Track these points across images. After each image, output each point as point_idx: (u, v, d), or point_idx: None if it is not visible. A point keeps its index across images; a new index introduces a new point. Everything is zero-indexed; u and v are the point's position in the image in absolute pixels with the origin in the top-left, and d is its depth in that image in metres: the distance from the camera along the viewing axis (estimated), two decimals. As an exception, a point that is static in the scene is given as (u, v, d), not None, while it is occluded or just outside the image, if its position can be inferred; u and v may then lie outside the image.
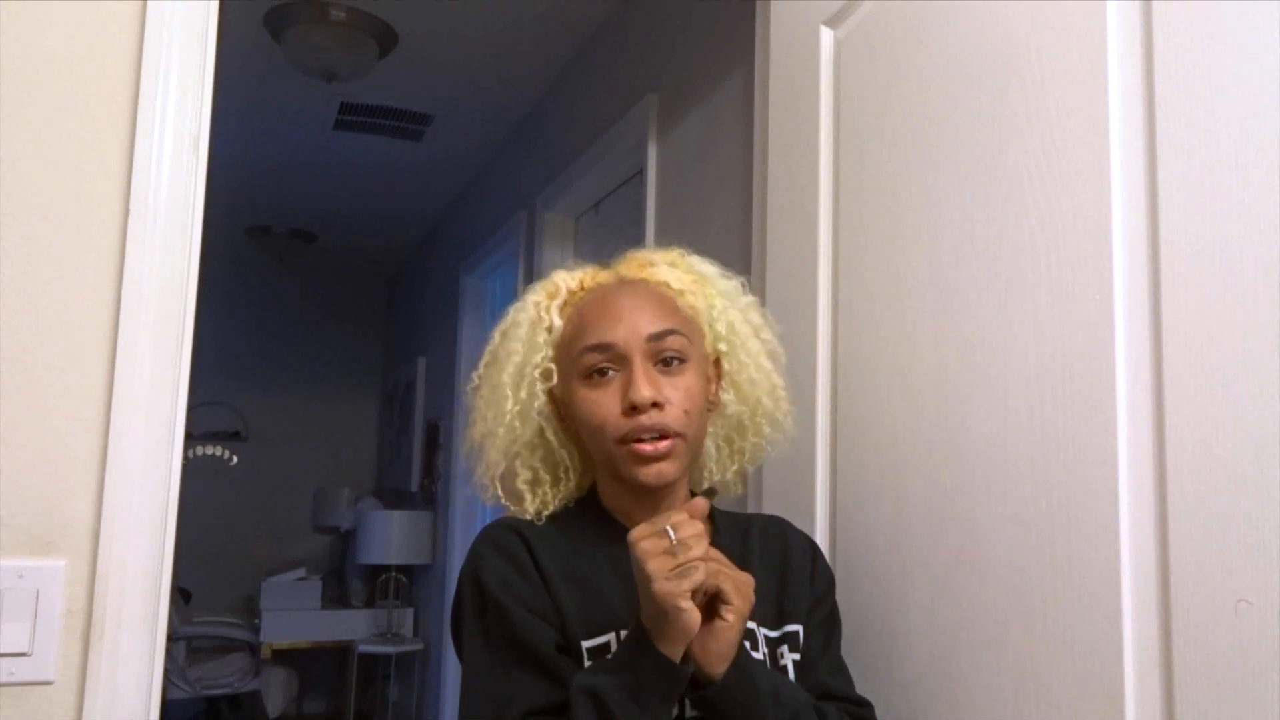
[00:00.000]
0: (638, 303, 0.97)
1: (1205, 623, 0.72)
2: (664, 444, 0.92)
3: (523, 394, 0.99)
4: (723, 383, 1.02)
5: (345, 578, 5.20)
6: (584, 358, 0.95)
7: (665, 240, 2.14)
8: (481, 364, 1.05)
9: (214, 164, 1.10)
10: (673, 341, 0.95)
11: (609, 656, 0.88)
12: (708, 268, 1.05)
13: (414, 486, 4.81)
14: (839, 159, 1.25)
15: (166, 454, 1.03)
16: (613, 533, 0.98)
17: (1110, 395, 0.81)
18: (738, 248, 1.74)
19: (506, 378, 1.00)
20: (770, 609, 0.98)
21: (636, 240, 2.30)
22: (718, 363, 1.02)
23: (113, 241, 1.03)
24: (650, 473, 0.93)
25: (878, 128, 1.17)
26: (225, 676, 4.57)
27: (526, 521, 1.00)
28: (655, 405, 0.92)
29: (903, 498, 1.07)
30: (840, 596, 1.09)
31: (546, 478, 1.02)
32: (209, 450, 4.98)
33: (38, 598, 0.97)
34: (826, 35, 1.29)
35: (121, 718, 0.98)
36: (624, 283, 1.01)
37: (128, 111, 1.04)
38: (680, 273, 1.03)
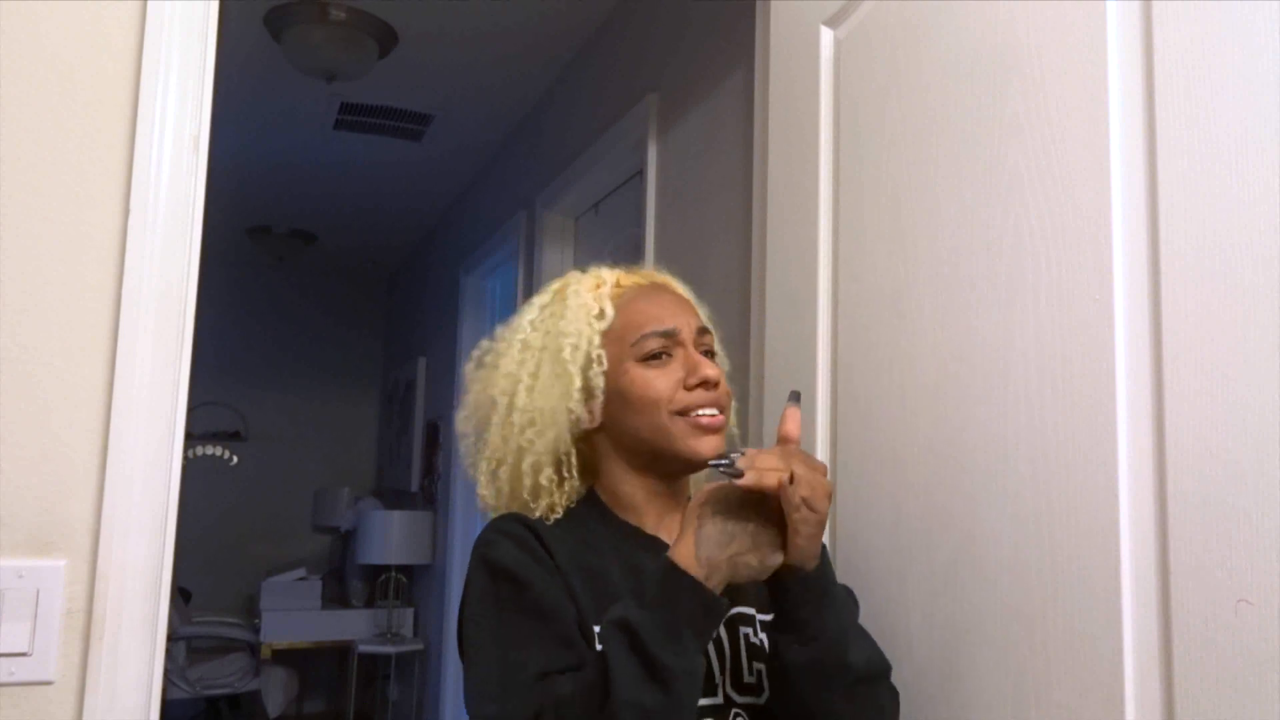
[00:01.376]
0: (683, 301, 1.06)
1: (1205, 623, 0.72)
2: (720, 418, 0.99)
3: (580, 378, 1.00)
4: None
5: (345, 578, 5.20)
6: (647, 342, 1.00)
7: (665, 240, 2.14)
8: (513, 350, 1.04)
9: (214, 164, 1.10)
10: (709, 339, 1.04)
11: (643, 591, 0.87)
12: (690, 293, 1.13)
13: (414, 486, 4.81)
14: (839, 159, 1.25)
15: (166, 454, 1.03)
16: (619, 529, 1.01)
17: (1110, 395, 0.81)
18: (738, 248, 1.74)
19: (568, 357, 1.00)
20: (764, 594, 0.99)
21: (636, 240, 2.30)
22: None
23: (113, 241, 1.03)
24: (709, 444, 0.98)
25: (878, 128, 1.17)
26: (225, 676, 4.57)
27: (532, 518, 1.00)
28: (716, 384, 0.99)
29: (903, 498, 1.07)
30: (840, 596, 1.09)
31: (557, 477, 1.02)
32: (209, 450, 4.97)
33: (38, 598, 0.97)
34: (826, 35, 1.29)
35: (121, 718, 0.98)
36: (661, 284, 1.08)
37: (128, 111, 1.04)
38: (685, 290, 1.11)
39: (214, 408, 5.43)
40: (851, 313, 1.20)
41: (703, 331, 1.03)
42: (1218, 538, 0.72)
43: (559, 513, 1.01)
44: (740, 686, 0.95)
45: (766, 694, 0.96)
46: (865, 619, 1.11)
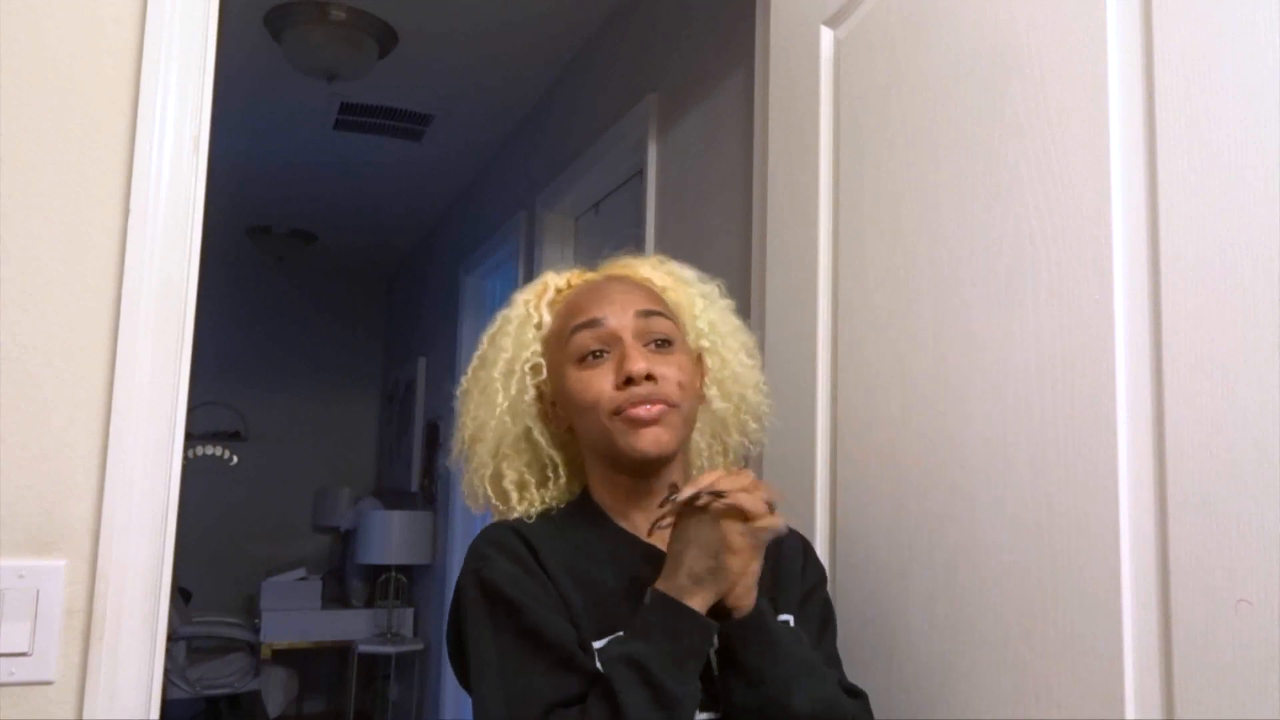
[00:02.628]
0: (626, 288, 1.01)
1: (1205, 623, 0.72)
2: (658, 408, 0.94)
3: (513, 389, 1.01)
4: (706, 379, 1.04)
5: (345, 578, 5.20)
6: (576, 336, 0.97)
7: (665, 240, 2.14)
8: (470, 368, 1.07)
9: (214, 164, 1.10)
10: (660, 324, 0.98)
11: (636, 624, 0.88)
12: (687, 272, 1.09)
13: (414, 486, 4.81)
14: (839, 159, 1.25)
15: (166, 454, 1.03)
16: (611, 533, 0.99)
17: (1110, 395, 0.81)
18: (738, 248, 1.74)
19: (497, 374, 1.01)
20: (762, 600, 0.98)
21: (637, 240, 2.30)
22: (700, 359, 1.04)
23: (113, 241, 1.03)
24: (648, 438, 0.93)
25: (878, 128, 1.17)
26: (225, 676, 4.57)
27: (526, 523, 0.99)
28: (649, 378, 0.94)
29: (903, 498, 1.07)
30: (840, 596, 1.09)
31: (533, 479, 1.03)
32: (209, 450, 4.97)
33: (38, 598, 0.97)
34: (826, 35, 1.29)
35: (121, 718, 0.98)
36: (610, 276, 1.05)
37: (128, 111, 1.04)
38: (662, 273, 1.07)
39: (214, 408, 5.42)
40: (851, 313, 1.20)
41: (648, 314, 0.97)
42: (1218, 538, 0.72)
43: (536, 509, 1.01)
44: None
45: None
46: (865, 619, 1.10)
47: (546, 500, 1.03)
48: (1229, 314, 0.73)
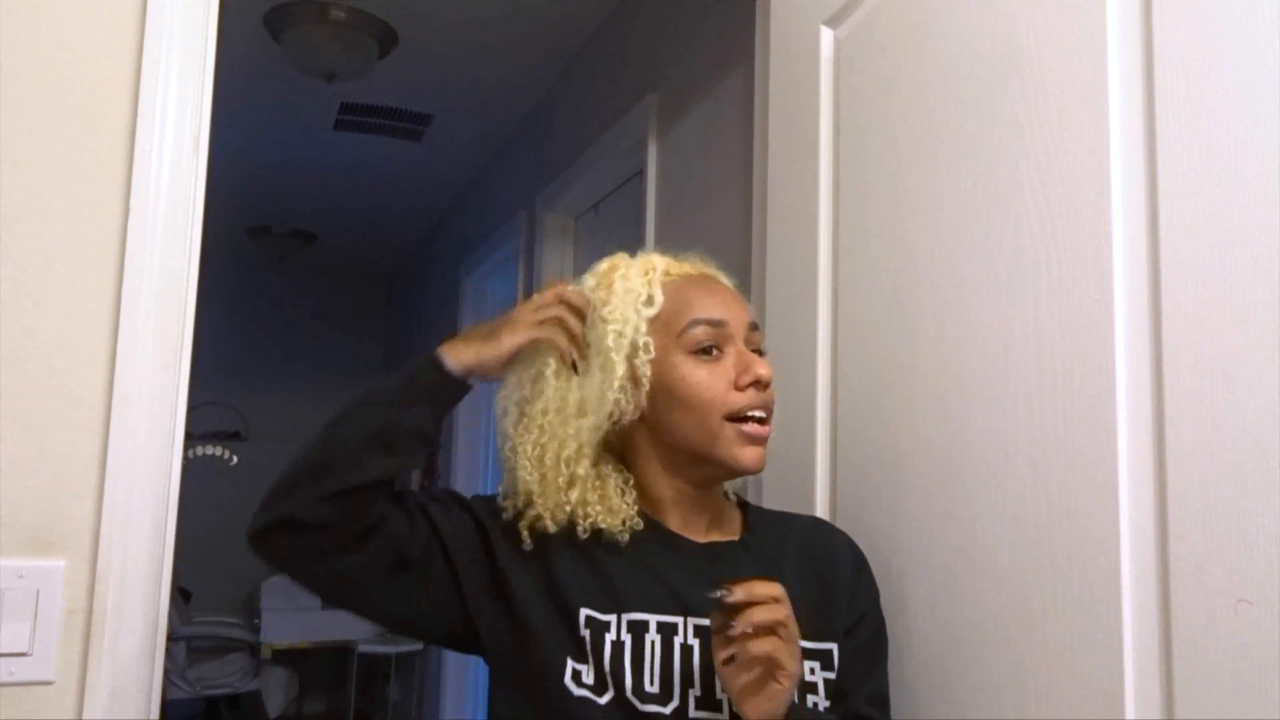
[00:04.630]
0: (733, 293, 1.01)
1: (1205, 623, 0.72)
2: (768, 429, 0.95)
3: (635, 362, 0.95)
4: None
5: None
6: (694, 330, 0.95)
7: (665, 240, 2.14)
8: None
9: (214, 164, 1.10)
10: (758, 337, 1.00)
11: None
12: None
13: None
14: (839, 159, 1.25)
15: (166, 454, 1.03)
16: (643, 528, 0.96)
17: (1110, 395, 0.81)
18: (738, 248, 1.74)
19: (611, 344, 0.95)
20: (808, 622, 0.92)
21: (636, 240, 2.29)
22: None
23: (113, 241, 1.03)
24: (754, 455, 0.94)
25: (878, 128, 1.17)
26: (225, 676, 4.57)
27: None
28: (767, 385, 0.95)
29: (903, 498, 1.07)
30: (840, 596, 1.08)
31: (603, 470, 0.98)
32: (209, 450, 4.97)
33: (38, 598, 0.97)
34: (826, 35, 1.29)
35: (121, 718, 0.98)
36: (711, 276, 1.03)
37: (128, 111, 1.04)
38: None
39: (214, 408, 5.42)
40: (851, 313, 1.20)
41: (754, 328, 0.98)
42: (1218, 538, 0.72)
43: (593, 511, 0.94)
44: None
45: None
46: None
47: (605, 500, 0.96)
48: (1229, 314, 0.72)
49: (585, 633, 0.90)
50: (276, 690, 4.70)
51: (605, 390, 0.95)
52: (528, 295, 1.03)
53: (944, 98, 1.05)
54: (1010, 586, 0.91)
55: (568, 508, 0.95)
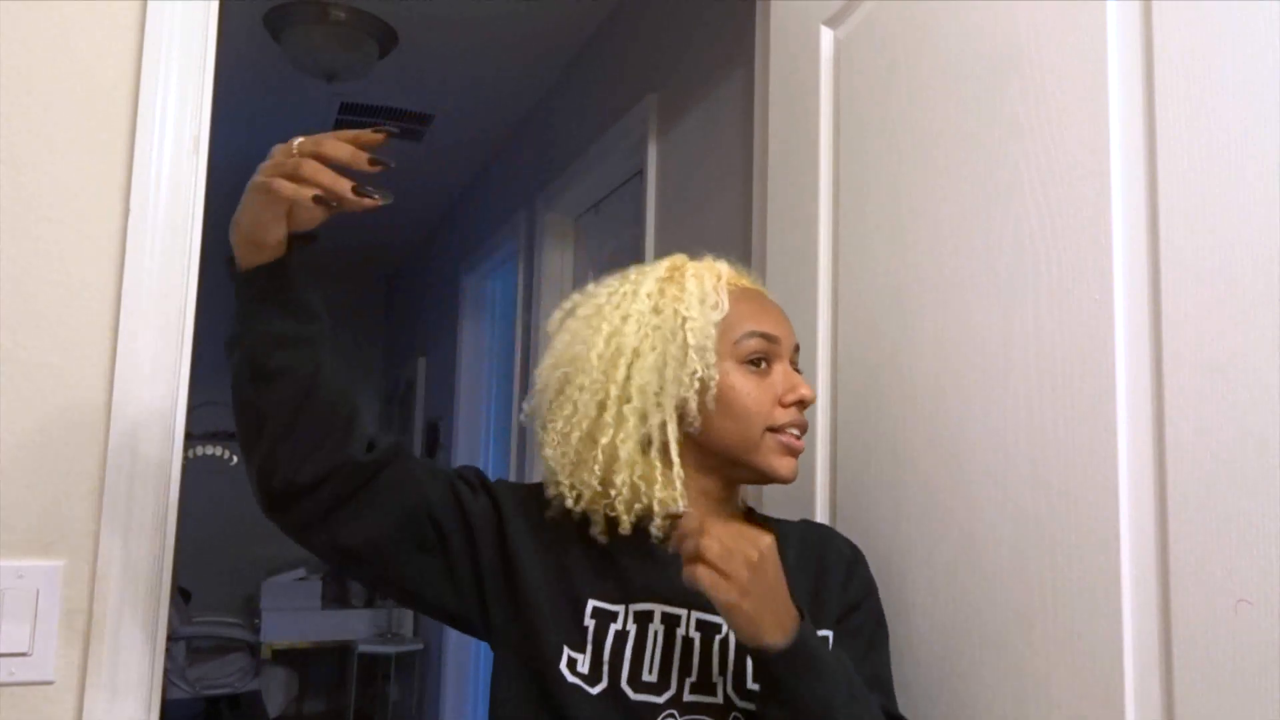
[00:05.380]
0: (784, 314, 1.03)
1: (1205, 623, 0.72)
2: (803, 443, 0.99)
3: (707, 359, 0.95)
4: None
5: (345, 578, 5.20)
6: (749, 341, 0.97)
7: (665, 240, 2.14)
8: (632, 311, 0.98)
9: (214, 164, 1.10)
10: (797, 356, 1.03)
11: None
12: None
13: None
14: (839, 159, 1.25)
15: (166, 454, 1.03)
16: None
17: (1110, 395, 0.81)
18: (738, 248, 1.74)
19: (693, 341, 0.95)
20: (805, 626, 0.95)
21: (636, 240, 2.30)
22: None
23: (113, 241, 1.03)
24: (791, 466, 0.97)
25: (878, 128, 1.17)
26: (225, 676, 4.57)
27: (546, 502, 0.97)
28: (808, 405, 0.99)
29: (903, 498, 1.07)
30: (840, 596, 1.08)
31: (653, 458, 0.97)
32: (209, 450, 4.97)
33: (38, 598, 0.97)
34: (826, 35, 1.29)
35: (121, 718, 0.98)
36: (762, 292, 1.05)
37: (128, 111, 1.04)
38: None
39: (214, 408, 5.40)
40: (851, 312, 1.20)
41: (797, 349, 1.03)
42: (1218, 537, 0.72)
43: (628, 503, 0.94)
44: (743, 691, 0.93)
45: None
46: (865, 619, 1.10)
47: (654, 488, 0.95)
48: (1229, 314, 0.73)
49: (590, 622, 0.92)
50: (276, 690, 4.71)
51: (675, 387, 0.94)
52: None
53: (944, 97, 1.05)
54: (1010, 586, 0.91)
55: (612, 491, 0.94)
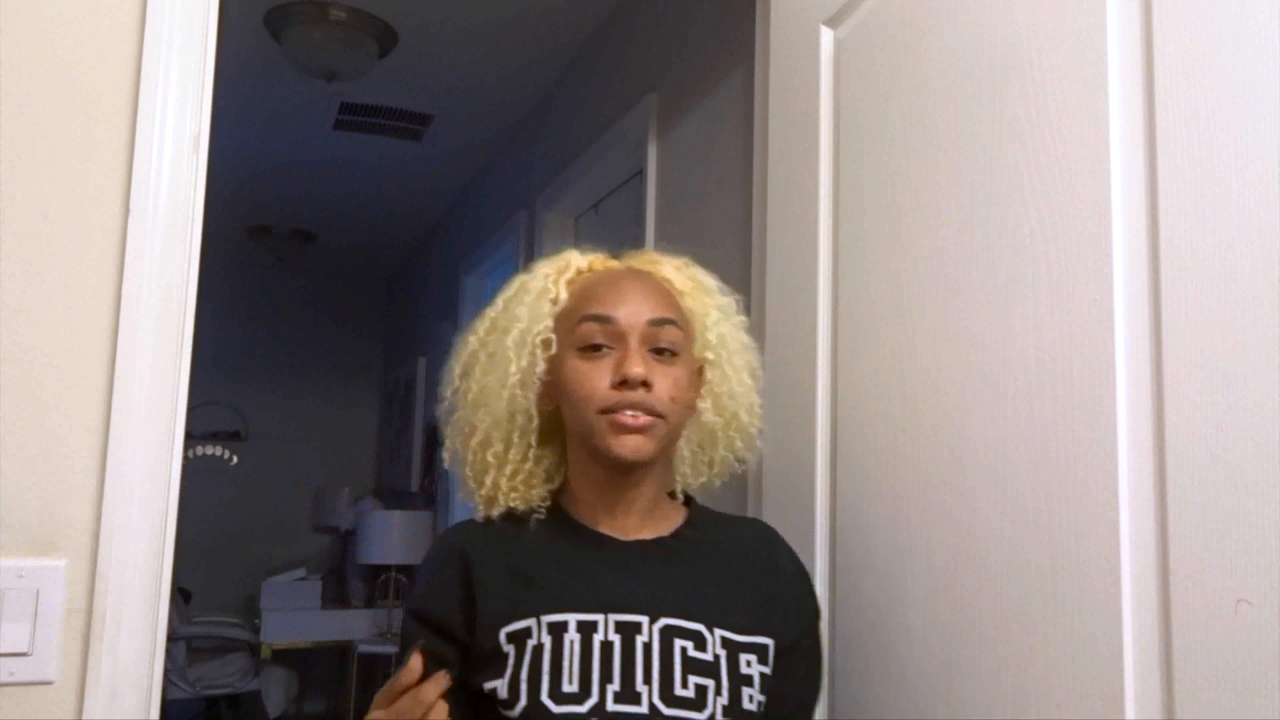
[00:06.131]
0: (644, 289, 1.00)
1: (1205, 623, 0.72)
2: (645, 419, 0.95)
3: (524, 360, 1.00)
4: (703, 390, 1.04)
5: (345, 578, 5.20)
6: (583, 326, 0.97)
7: (666, 240, 2.14)
8: (478, 329, 1.07)
9: (214, 164, 1.10)
10: (670, 333, 0.98)
11: None
12: (709, 280, 1.08)
13: (414, 486, 4.81)
14: (839, 159, 1.25)
15: (166, 454, 1.03)
16: (567, 530, 1.01)
17: (1110, 395, 0.81)
18: (738, 248, 1.74)
19: (510, 342, 1.01)
20: (743, 616, 0.98)
21: (637, 240, 2.30)
22: (700, 371, 1.04)
23: (113, 241, 1.03)
24: (628, 445, 0.94)
25: (878, 128, 1.17)
26: (225, 676, 4.57)
27: (480, 526, 1.02)
28: (645, 385, 0.95)
29: (903, 498, 1.07)
30: (840, 597, 1.09)
31: (516, 455, 1.03)
32: (209, 450, 4.97)
33: (38, 598, 0.97)
34: (826, 35, 1.29)
35: (121, 718, 0.98)
36: (633, 270, 1.04)
37: (128, 111, 1.04)
38: (684, 276, 1.06)
39: (214, 408, 5.42)
40: (851, 313, 1.20)
41: (660, 323, 0.97)
42: (1218, 537, 0.72)
43: (505, 494, 1.02)
44: (671, 699, 0.91)
45: (710, 711, 0.91)
46: (865, 619, 1.11)
47: (518, 485, 1.03)
48: (1229, 314, 0.73)
49: (509, 648, 0.92)
50: (276, 690, 4.70)
51: (500, 386, 1.00)
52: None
53: (944, 98, 1.05)
54: (1010, 586, 0.91)
55: (482, 491, 1.02)
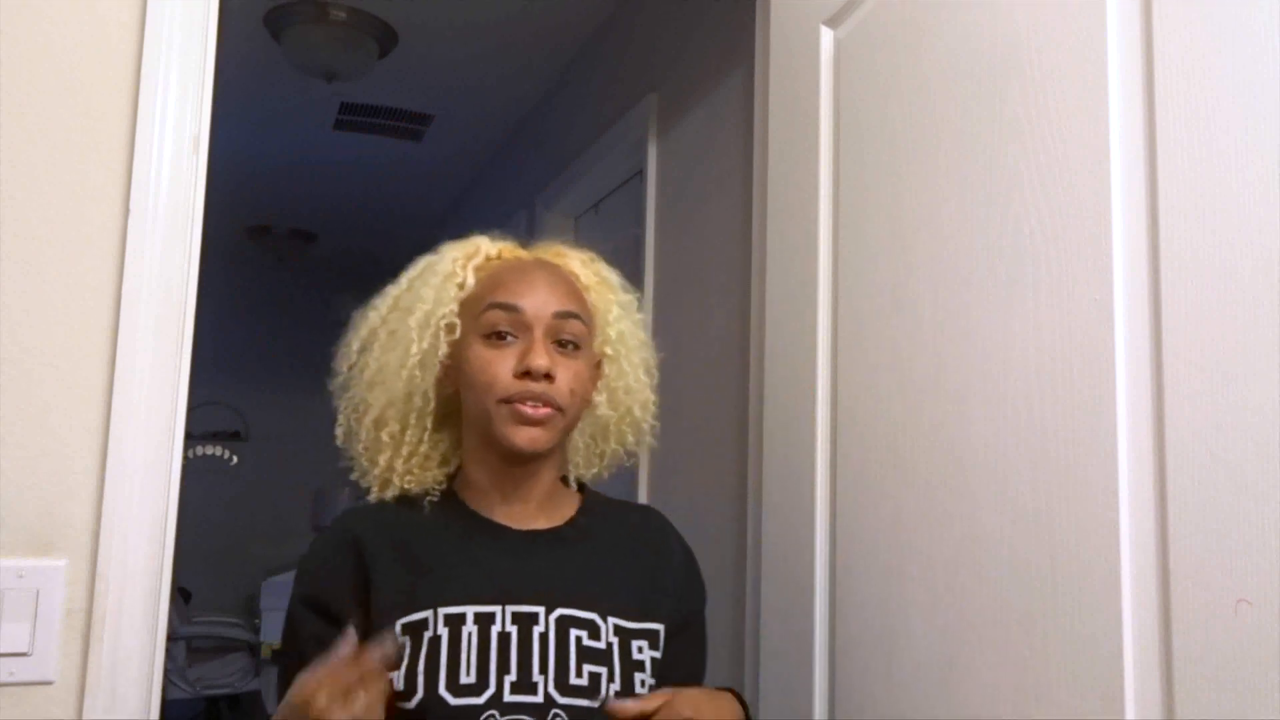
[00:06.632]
0: (551, 280, 1.01)
1: (1205, 623, 0.72)
2: (544, 411, 0.96)
3: (426, 342, 1.00)
4: (599, 384, 1.06)
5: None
6: (488, 314, 0.98)
7: (665, 240, 2.14)
8: (381, 307, 1.07)
9: (214, 164, 1.10)
10: (574, 326, 0.99)
11: None
12: (614, 276, 1.10)
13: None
14: (839, 159, 1.25)
15: (166, 454, 1.03)
16: (460, 514, 1.01)
17: (1110, 395, 0.81)
18: (738, 248, 1.74)
19: (413, 322, 1.01)
20: (633, 602, 0.99)
21: (636, 240, 2.30)
22: (599, 365, 1.05)
23: (113, 241, 1.03)
24: (525, 436, 0.96)
25: (878, 128, 1.17)
26: (225, 676, 4.57)
27: (373, 510, 1.03)
28: (547, 377, 0.95)
29: (903, 498, 1.07)
30: (841, 597, 1.09)
31: (414, 437, 1.03)
32: (209, 450, 4.97)
33: (38, 598, 0.97)
34: (826, 35, 1.29)
35: (121, 718, 0.98)
36: (541, 261, 1.05)
37: (128, 111, 1.04)
38: (590, 272, 1.08)
39: (214, 408, 5.42)
40: (851, 312, 1.20)
41: (565, 316, 0.98)
42: (1218, 537, 0.72)
43: (400, 476, 1.02)
44: (565, 688, 0.92)
45: (603, 698, 0.93)
46: (865, 619, 1.11)
47: (415, 467, 1.03)
48: (1229, 314, 0.72)
49: (405, 639, 0.92)
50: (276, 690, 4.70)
51: (400, 366, 1.01)
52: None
53: (944, 98, 1.05)
54: (1010, 586, 0.91)
55: (376, 471, 1.03)
